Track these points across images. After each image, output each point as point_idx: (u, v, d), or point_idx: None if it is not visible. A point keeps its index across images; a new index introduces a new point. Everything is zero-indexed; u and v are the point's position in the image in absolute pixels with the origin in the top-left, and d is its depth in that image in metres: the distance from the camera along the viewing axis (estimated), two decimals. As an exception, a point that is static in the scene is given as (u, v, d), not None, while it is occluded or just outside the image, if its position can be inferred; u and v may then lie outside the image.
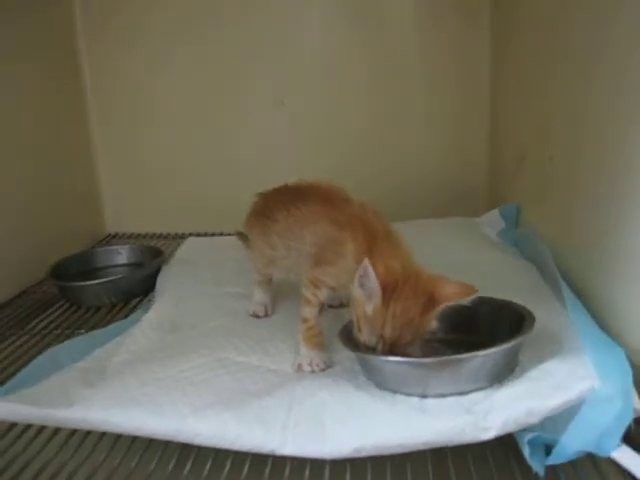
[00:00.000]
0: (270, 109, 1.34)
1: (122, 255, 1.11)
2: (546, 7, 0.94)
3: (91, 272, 1.06)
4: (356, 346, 0.64)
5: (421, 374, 0.58)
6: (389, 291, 0.61)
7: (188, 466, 0.58)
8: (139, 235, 1.40)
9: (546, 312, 0.71)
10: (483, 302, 0.69)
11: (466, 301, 0.60)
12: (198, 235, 1.36)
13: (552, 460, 0.52)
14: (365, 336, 0.62)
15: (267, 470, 0.57)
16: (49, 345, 0.85)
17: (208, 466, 0.58)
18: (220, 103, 1.35)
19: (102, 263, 1.09)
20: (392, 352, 0.61)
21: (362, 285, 0.62)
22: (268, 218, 0.81)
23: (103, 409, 0.61)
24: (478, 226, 1.16)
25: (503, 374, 0.60)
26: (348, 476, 0.56)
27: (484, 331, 0.68)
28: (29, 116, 1.14)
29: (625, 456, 0.50)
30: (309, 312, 0.73)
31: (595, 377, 0.53)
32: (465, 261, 0.98)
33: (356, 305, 0.64)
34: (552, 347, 0.64)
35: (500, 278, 0.90)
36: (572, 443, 0.51)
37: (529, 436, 0.53)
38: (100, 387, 0.65)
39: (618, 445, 0.51)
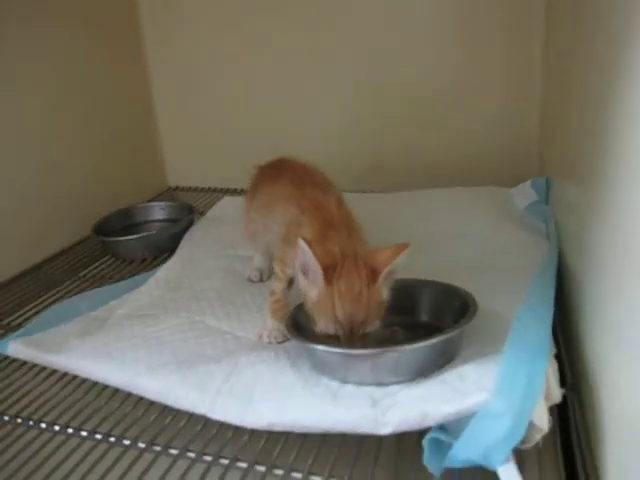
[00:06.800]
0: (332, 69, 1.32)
1: (163, 211, 1.21)
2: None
3: (132, 226, 1.18)
4: (298, 330, 0.66)
5: (340, 362, 0.60)
6: (330, 270, 0.62)
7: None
8: (197, 189, 1.50)
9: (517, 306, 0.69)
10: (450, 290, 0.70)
11: (403, 258, 0.61)
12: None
13: (447, 463, 0.52)
14: (322, 325, 0.63)
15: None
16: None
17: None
18: (289, 60, 1.35)
19: (143, 218, 1.21)
20: (353, 336, 0.62)
21: (304, 271, 0.64)
22: (255, 192, 0.85)
23: (80, 359, 0.71)
24: (510, 197, 1.08)
25: (428, 369, 0.59)
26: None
27: (448, 317, 0.68)
28: (90, 74, 1.25)
29: (507, 473, 0.49)
30: (277, 286, 0.76)
31: (490, 390, 0.51)
32: (474, 234, 0.96)
33: (306, 299, 0.65)
34: (491, 348, 0.61)
35: (504, 256, 0.87)
36: (461, 451, 0.51)
37: (428, 437, 0.54)
38: (87, 340, 0.76)
39: (506, 461, 0.49)
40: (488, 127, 1.23)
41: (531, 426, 0.51)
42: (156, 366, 0.68)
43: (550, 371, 0.55)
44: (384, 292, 0.63)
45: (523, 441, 0.52)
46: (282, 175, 0.80)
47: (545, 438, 0.53)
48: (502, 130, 1.22)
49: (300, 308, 0.69)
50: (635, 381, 0.46)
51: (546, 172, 1.09)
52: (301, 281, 0.65)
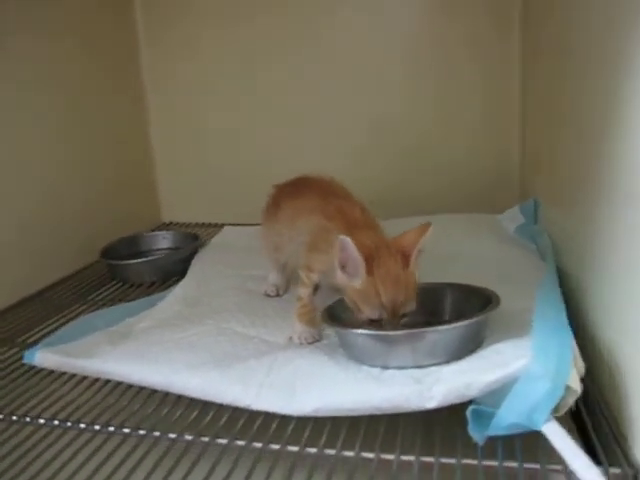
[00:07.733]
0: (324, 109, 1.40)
1: (166, 239, 1.24)
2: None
3: (138, 254, 1.20)
4: (335, 321, 0.71)
5: (382, 345, 0.64)
6: (369, 260, 0.67)
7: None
8: (189, 224, 1.53)
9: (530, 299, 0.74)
10: (470, 290, 0.76)
11: (428, 237, 0.68)
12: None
13: (490, 431, 0.57)
14: (368, 312, 0.67)
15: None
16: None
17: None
18: (278, 102, 1.43)
19: (148, 246, 1.23)
20: (395, 318, 0.66)
21: (343, 265, 0.69)
22: (278, 208, 0.90)
23: (114, 362, 0.72)
24: (498, 222, 1.17)
25: (462, 351, 0.64)
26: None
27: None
28: (92, 115, 1.30)
29: (552, 430, 0.53)
30: (303, 292, 0.80)
31: (529, 357, 0.57)
32: (473, 255, 1.02)
33: (347, 292, 0.69)
34: (516, 332, 0.67)
35: (501, 269, 0.93)
36: (506, 416, 0.55)
37: (471, 407, 0.58)
38: (118, 346, 0.77)
39: (548, 420, 0.54)
40: (470, 159, 1.34)
41: (566, 389, 0.56)
42: (195, 364, 0.70)
43: (575, 345, 0.61)
44: (417, 274, 0.69)
45: (558, 408, 0.57)
46: (305, 190, 0.86)
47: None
48: (484, 162, 1.34)
49: (335, 303, 0.73)
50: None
51: (529, 197, 1.19)
52: (339, 276, 0.69)
